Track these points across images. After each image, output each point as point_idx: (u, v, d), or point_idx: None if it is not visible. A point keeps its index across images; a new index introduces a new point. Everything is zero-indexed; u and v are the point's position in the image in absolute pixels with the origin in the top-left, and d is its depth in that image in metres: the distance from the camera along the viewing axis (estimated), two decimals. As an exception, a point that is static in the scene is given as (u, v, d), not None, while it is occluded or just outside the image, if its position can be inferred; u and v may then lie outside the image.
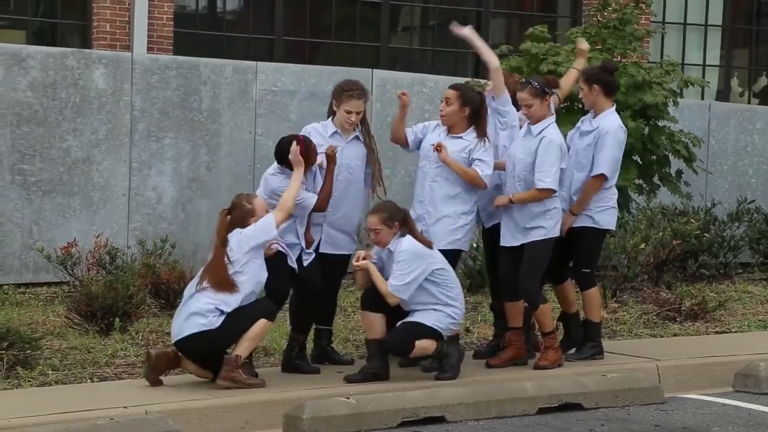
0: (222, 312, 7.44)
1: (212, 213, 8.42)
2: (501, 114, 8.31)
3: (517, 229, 8.13)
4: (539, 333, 8.44)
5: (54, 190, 11.48)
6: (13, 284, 11.03)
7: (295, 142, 7.82)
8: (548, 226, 8.11)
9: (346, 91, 8.10)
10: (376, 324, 7.76)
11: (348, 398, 7.30)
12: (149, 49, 14.01)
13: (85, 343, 8.67)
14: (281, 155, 7.89)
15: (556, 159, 8.04)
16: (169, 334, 9.17)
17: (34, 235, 11.32)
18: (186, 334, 7.44)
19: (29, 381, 7.63)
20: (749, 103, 18.33)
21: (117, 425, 6.59)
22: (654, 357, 8.73)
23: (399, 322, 7.78)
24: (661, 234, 11.95)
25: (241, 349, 7.46)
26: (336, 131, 8.15)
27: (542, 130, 8.09)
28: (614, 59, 12.38)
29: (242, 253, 7.50)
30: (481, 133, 8.12)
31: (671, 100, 12.38)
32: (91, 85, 11.66)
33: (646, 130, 12.24)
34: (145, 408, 6.93)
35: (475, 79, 13.12)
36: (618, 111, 12.03)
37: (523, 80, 8.42)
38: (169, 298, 10.12)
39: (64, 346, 8.62)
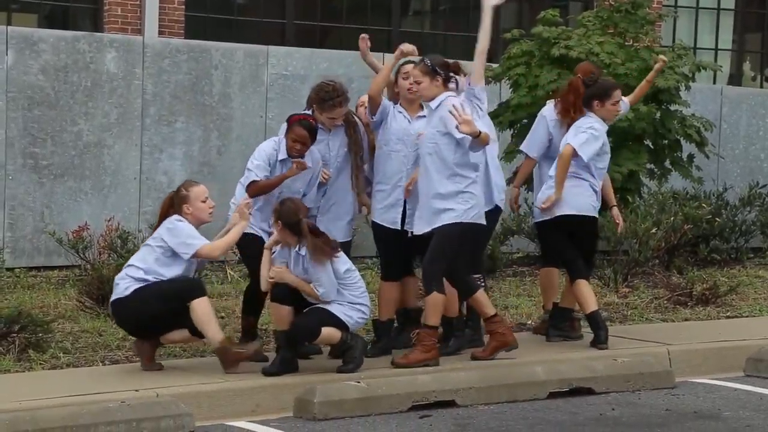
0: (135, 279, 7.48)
1: (223, 197, 8.41)
2: (479, 99, 8.00)
3: (428, 213, 7.74)
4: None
5: (65, 173, 11.49)
6: (24, 267, 11.06)
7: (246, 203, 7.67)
8: (459, 209, 7.71)
9: (327, 101, 7.90)
10: (285, 316, 7.54)
11: (359, 382, 7.30)
12: (160, 33, 14.00)
13: (97, 326, 8.69)
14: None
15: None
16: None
17: (46, 219, 11.34)
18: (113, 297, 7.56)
19: (41, 364, 7.65)
20: (761, 87, 18.27)
21: (128, 408, 6.61)
22: (665, 341, 8.72)
23: (308, 308, 7.53)
24: (672, 218, 11.92)
25: (211, 332, 7.43)
26: (320, 127, 7.97)
27: (440, 102, 7.75)
28: (626, 43, 12.36)
29: (166, 242, 7.52)
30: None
31: (683, 84, 12.35)
32: (103, 68, 11.66)
33: (658, 115, 12.22)
34: (156, 391, 6.95)
35: (486, 63, 13.08)
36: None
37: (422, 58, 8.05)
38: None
39: (75, 329, 8.64)
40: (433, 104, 7.79)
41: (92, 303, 9.18)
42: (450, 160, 7.69)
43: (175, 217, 7.57)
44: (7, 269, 10.78)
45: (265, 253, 7.59)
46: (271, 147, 7.89)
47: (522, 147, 8.97)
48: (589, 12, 13.05)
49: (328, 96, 7.93)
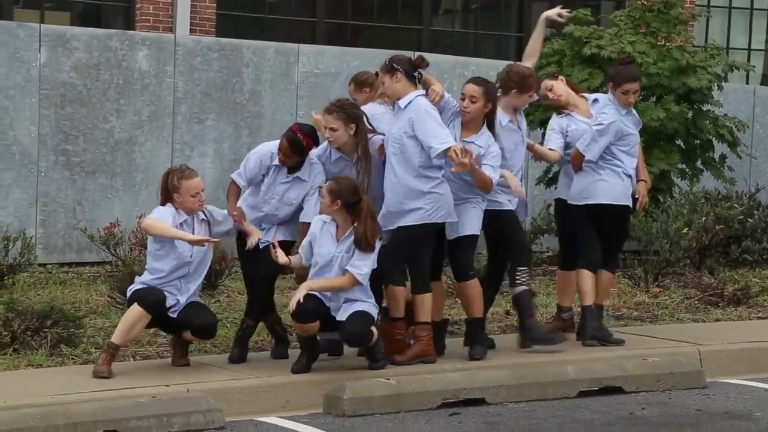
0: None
1: (254, 194, 8.40)
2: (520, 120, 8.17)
3: (396, 212, 7.65)
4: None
5: (97, 170, 11.55)
6: (56, 263, 11.13)
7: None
8: (426, 209, 7.59)
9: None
10: (314, 327, 7.38)
11: (388, 379, 7.31)
12: (192, 31, 14.05)
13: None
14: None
15: (436, 121, 7.63)
16: (210, 314, 9.24)
17: (78, 215, 11.41)
18: None
19: (73, 359, 7.70)
20: (794, 87, 18.14)
21: (159, 403, 6.64)
22: (696, 342, 8.68)
23: (349, 314, 7.36)
24: (704, 219, 11.87)
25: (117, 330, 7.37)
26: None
27: (410, 102, 7.66)
28: (658, 43, 12.32)
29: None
30: (492, 131, 7.84)
31: (716, 84, 12.30)
32: (135, 66, 11.72)
33: (690, 115, 12.17)
34: (186, 386, 6.97)
35: (517, 62, 13.06)
36: (661, 95, 12.12)
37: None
38: (210, 278, 10.16)
39: (107, 324, 8.68)
40: (402, 103, 7.68)
41: (123, 299, 9.19)
42: (415, 162, 7.60)
43: (158, 209, 7.51)
44: (40, 265, 10.86)
45: (312, 284, 7.40)
46: (270, 149, 7.76)
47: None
48: (621, 11, 13.02)
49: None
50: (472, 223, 7.85)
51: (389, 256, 7.64)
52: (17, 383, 7.02)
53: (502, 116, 8.01)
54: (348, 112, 7.63)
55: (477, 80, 7.90)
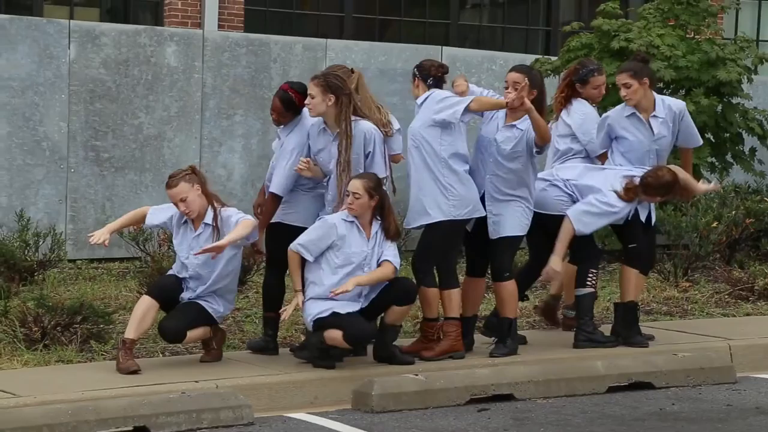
0: None
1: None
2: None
3: (419, 208, 7.71)
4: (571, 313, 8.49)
5: (126, 166, 11.60)
6: (86, 259, 11.17)
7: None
8: (449, 203, 7.63)
9: None
10: (341, 337, 7.43)
11: (417, 375, 7.31)
12: (220, 27, 14.08)
13: (157, 318, 8.74)
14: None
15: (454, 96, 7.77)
16: (238, 309, 9.28)
17: (107, 211, 11.45)
18: None
19: (102, 355, 7.73)
20: (825, 80, 17.98)
21: (189, 399, 6.66)
22: (726, 336, 8.64)
23: (353, 315, 7.41)
24: (733, 212, 11.79)
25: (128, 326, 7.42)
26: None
27: (426, 97, 7.77)
28: (687, 35, 12.24)
29: None
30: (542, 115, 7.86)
31: (745, 76, 12.22)
32: (163, 62, 11.75)
33: (720, 108, 12.09)
34: (216, 382, 7.00)
35: (545, 56, 13.04)
36: (691, 88, 12.05)
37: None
38: (239, 274, 10.18)
39: (136, 320, 8.70)
40: (419, 100, 7.81)
41: (152, 294, 9.24)
42: (435, 154, 7.63)
43: (164, 205, 7.79)
44: (69, 261, 10.91)
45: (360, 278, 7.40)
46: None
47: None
48: (649, 4, 12.94)
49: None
50: (513, 224, 7.83)
51: (418, 260, 7.72)
52: (47, 379, 7.06)
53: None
54: (329, 83, 7.58)
55: (519, 68, 7.94)
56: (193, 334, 7.49)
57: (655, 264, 9.23)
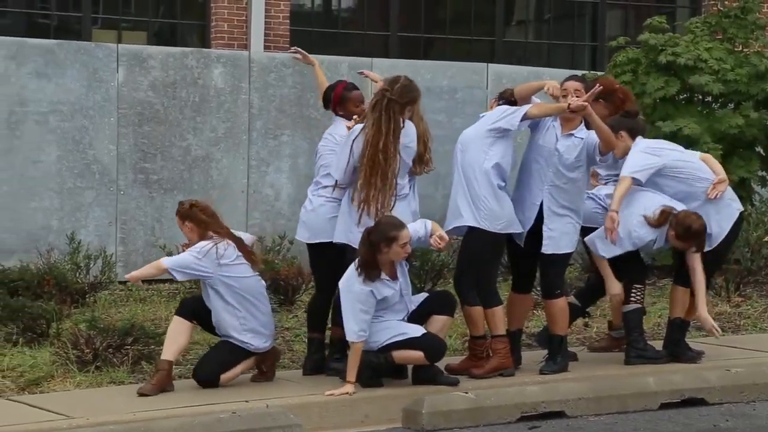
0: None
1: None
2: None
3: (452, 208, 7.79)
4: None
5: (175, 188, 11.67)
6: (137, 281, 11.22)
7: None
8: (480, 212, 7.62)
9: (415, 95, 7.73)
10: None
11: (467, 393, 7.28)
12: (266, 48, 14.14)
13: (207, 338, 8.76)
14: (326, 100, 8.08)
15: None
16: (288, 328, 9.30)
17: (156, 233, 11.52)
18: None
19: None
20: None
21: (239, 419, 6.67)
22: (780, 352, 8.55)
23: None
24: (785, 226, 11.68)
25: (164, 348, 7.46)
26: None
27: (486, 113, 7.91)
28: (736, 49, 12.16)
29: None
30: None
31: (795, 89, 12.09)
32: (210, 83, 11.82)
33: (769, 121, 11.99)
34: (266, 402, 7.01)
35: (592, 72, 12.99)
36: (740, 102, 11.95)
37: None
38: (287, 293, 10.22)
39: (186, 341, 8.74)
40: (483, 113, 7.92)
41: (202, 315, 9.28)
42: (476, 162, 7.63)
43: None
44: (120, 282, 10.98)
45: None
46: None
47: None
48: (696, 18, 12.87)
49: (415, 90, 7.75)
50: (566, 241, 7.82)
51: (458, 275, 7.75)
52: (100, 400, 7.11)
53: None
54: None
55: (575, 77, 7.97)
56: (231, 374, 7.47)
57: (711, 284, 9.12)
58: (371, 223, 7.37)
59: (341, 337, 7.52)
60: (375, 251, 7.22)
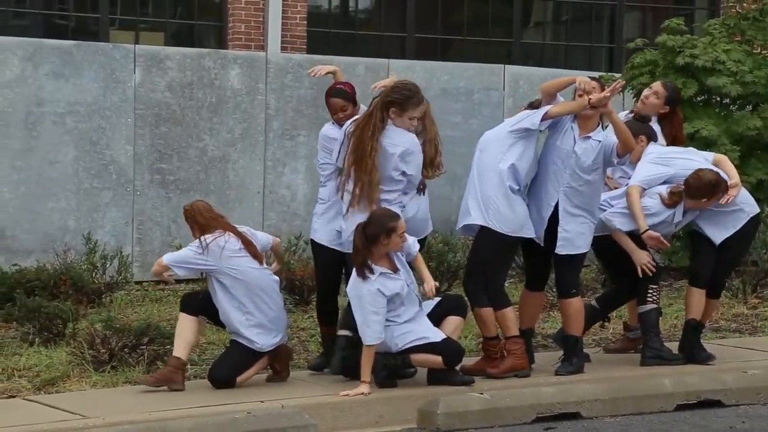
0: None
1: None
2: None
3: (463, 208, 7.82)
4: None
5: (191, 188, 11.69)
6: (152, 281, 11.26)
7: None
8: (491, 212, 7.61)
9: (412, 98, 7.55)
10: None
11: (482, 393, 7.27)
12: (283, 49, 14.16)
13: (223, 338, 8.78)
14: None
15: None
16: (303, 329, 9.31)
17: (173, 233, 11.54)
18: None
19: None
20: None
21: (254, 419, 6.67)
22: (797, 354, 8.51)
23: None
24: (803, 228, 11.61)
25: (175, 346, 7.47)
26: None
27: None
28: (754, 51, 12.12)
29: None
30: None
31: (813, 91, 12.03)
32: (227, 84, 11.84)
33: (789, 123, 11.93)
34: (281, 402, 7.01)
35: (609, 73, 12.96)
36: (758, 104, 11.90)
37: None
38: (303, 294, 10.22)
39: (201, 341, 8.74)
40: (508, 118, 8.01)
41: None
42: (492, 164, 7.62)
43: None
44: (136, 283, 11.01)
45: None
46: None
47: None
48: (715, 20, 12.82)
49: (411, 93, 7.55)
50: (582, 242, 7.80)
51: (467, 277, 7.77)
52: (115, 400, 7.12)
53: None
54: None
55: (593, 79, 7.90)
56: (245, 375, 7.47)
57: (724, 287, 9.07)
58: (359, 215, 7.36)
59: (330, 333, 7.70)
60: (373, 244, 7.24)
